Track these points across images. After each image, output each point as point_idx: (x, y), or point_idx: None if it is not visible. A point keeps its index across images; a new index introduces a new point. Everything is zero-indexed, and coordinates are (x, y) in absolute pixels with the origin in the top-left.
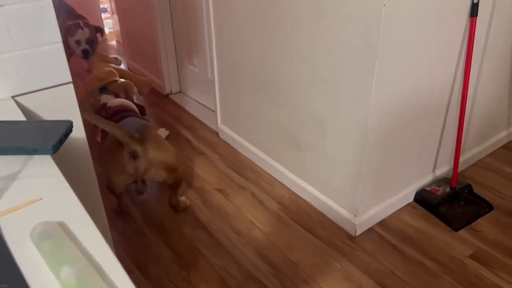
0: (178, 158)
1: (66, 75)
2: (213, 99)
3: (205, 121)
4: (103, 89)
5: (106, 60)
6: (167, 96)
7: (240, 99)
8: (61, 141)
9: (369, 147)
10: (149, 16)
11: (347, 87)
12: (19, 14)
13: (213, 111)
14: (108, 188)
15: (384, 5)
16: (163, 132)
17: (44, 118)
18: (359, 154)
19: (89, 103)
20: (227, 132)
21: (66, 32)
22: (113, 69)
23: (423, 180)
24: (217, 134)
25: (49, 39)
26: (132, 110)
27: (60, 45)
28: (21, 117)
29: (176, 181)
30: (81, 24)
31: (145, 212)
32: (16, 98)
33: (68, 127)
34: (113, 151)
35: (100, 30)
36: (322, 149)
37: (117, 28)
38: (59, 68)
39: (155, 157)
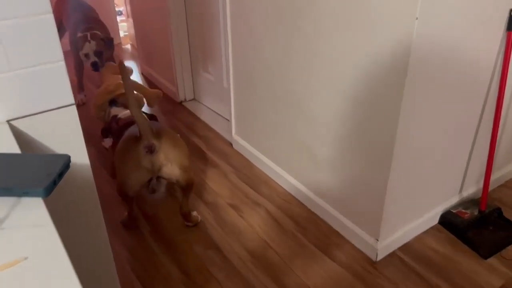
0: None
1: (68, 96)
2: (228, 108)
3: (219, 130)
4: (113, 102)
5: (117, 71)
6: (180, 103)
7: (256, 110)
8: (55, 181)
9: (395, 167)
10: (164, 21)
11: (372, 106)
12: (15, 30)
13: (228, 120)
14: (120, 192)
15: (417, 18)
16: None
17: (43, 143)
18: (383, 175)
19: (99, 117)
20: (241, 143)
21: (77, 44)
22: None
23: (449, 201)
24: (231, 144)
25: (50, 57)
26: None
27: (62, 64)
28: (13, 145)
29: (189, 183)
30: (88, 36)
31: (155, 228)
32: (13, 122)
33: (64, 163)
34: (128, 147)
35: (108, 41)
36: (342, 168)
37: (132, 31)
38: (61, 88)
39: (171, 152)
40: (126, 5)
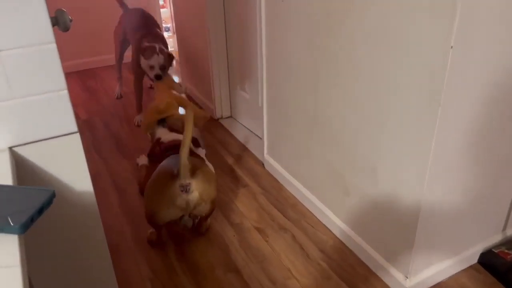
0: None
1: (71, 124)
2: (262, 128)
3: (252, 149)
4: (161, 121)
5: (171, 85)
6: (217, 120)
7: (288, 132)
8: (33, 218)
9: (427, 202)
10: (205, 39)
11: (404, 136)
12: (19, 60)
13: (261, 139)
14: (150, 221)
15: (451, 47)
16: (200, 151)
17: (46, 170)
18: (415, 208)
19: (147, 134)
20: (272, 164)
21: (141, 52)
22: (173, 99)
23: (491, 240)
24: (263, 165)
25: (53, 87)
26: None
27: (65, 93)
28: (7, 174)
29: (212, 211)
30: (157, 49)
31: (179, 248)
32: (15, 149)
33: (46, 199)
34: (162, 184)
35: (172, 58)
36: (373, 197)
37: (177, 47)
38: (64, 117)
39: (205, 190)
40: (172, 22)
